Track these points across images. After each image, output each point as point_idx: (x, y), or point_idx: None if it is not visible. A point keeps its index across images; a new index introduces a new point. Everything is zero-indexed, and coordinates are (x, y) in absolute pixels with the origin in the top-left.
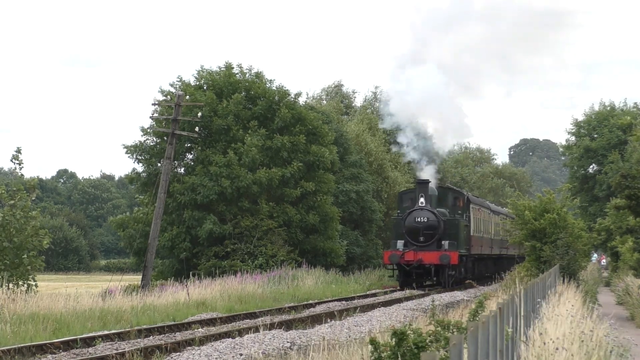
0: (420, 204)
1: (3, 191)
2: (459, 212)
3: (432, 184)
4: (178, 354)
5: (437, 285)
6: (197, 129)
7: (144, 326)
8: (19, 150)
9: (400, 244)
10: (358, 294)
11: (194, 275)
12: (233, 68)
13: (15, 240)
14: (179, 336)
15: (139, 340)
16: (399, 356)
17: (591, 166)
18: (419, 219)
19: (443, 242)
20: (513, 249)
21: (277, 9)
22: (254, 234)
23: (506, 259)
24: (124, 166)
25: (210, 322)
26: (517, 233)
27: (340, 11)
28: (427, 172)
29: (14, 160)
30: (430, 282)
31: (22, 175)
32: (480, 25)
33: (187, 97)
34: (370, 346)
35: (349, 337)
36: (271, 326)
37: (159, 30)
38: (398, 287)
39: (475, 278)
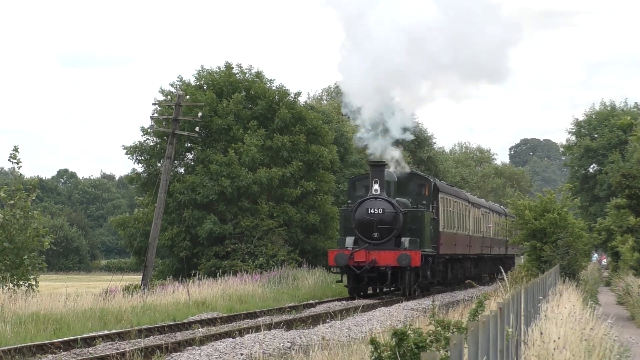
0: (374, 192)
1: (2, 192)
2: (424, 202)
3: (393, 169)
4: (178, 353)
5: (396, 292)
6: (197, 128)
7: (145, 326)
8: (16, 149)
9: (349, 241)
10: (277, 307)
11: (194, 275)
12: (233, 68)
13: (16, 241)
14: (179, 336)
15: (139, 340)
16: (399, 356)
17: (592, 166)
18: (372, 211)
19: (403, 239)
20: (499, 248)
21: (277, 9)
22: (254, 233)
23: (490, 260)
24: (124, 166)
25: (211, 322)
26: (517, 233)
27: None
28: (390, 157)
29: (11, 159)
30: (389, 288)
31: (20, 174)
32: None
33: (187, 97)
34: (370, 346)
35: (350, 337)
36: (271, 326)
37: (159, 30)
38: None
39: (449, 283)
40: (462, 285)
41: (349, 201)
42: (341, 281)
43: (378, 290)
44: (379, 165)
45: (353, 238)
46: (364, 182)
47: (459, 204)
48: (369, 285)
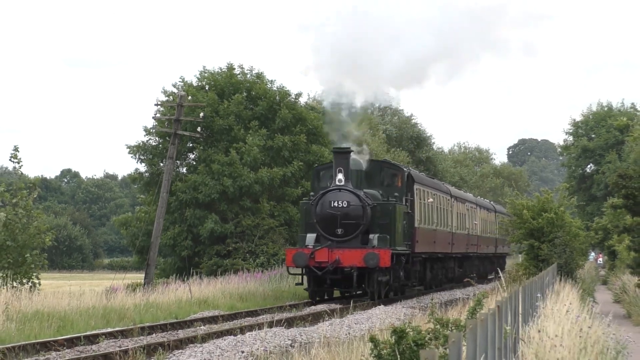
0: (337, 183)
1: (4, 189)
2: (396, 194)
3: (361, 158)
4: (180, 351)
5: (364, 296)
6: (199, 129)
7: (147, 324)
8: (16, 149)
9: (310, 238)
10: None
11: (196, 273)
12: (234, 69)
13: (18, 239)
14: (181, 334)
15: (142, 337)
16: (399, 353)
17: (589, 166)
18: (335, 204)
19: (371, 236)
20: (488, 246)
21: (278, 11)
22: (256, 232)
23: (477, 259)
24: (127, 166)
25: (212, 319)
26: (515, 232)
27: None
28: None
29: (12, 159)
30: (354, 291)
31: (22, 174)
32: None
33: (189, 97)
34: (370, 344)
35: (349, 334)
36: (272, 324)
37: (161, 31)
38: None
39: (429, 285)
40: (444, 287)
41: (312, 193)
42: (301, 283)
43: (348, 294)
44: (344, 152)
45: (315, 235)
46: (330, 172)
47: (440, 197)
48: (332, 288)
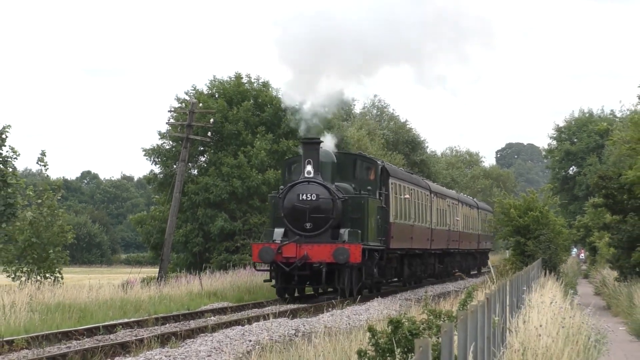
0: (306, 175)
1: (31, 192)
2: (370, 188)
3: (331, 149)
4: (192, 340)
5: (334, 294)
6: (209, 133)
7: (161, 315)
8: (43, 153)
9: (278, 233)
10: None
11: (206, 268)
12: (242, 78)
13: (43, 237)
14: (192, 324)
15: (156, 327)
16: (395, 342)
17: (571, 168)
18: (303, 197)
19: (342, 230)
20: (470, 242)
21: (283, 26)
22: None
23: (460, 255)
24: (142, 168)
25: (222, 311)
26: (502, 229)
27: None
28: (329, 141)
29: (39, 162)
30: (323, 288)
31: (47, 176)
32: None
33: (200, 104)
34: (368, 333)
35: (349, 324)
36: (277, 315)
37: (174, 42)
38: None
39: (407, 281)
40: (423, 284)
41: (281, 187)
42: (270, 280)
43: (321, 290)
44: (313, 143)
45: (283, 229)
46: (301, 164)
47: (418, 192)
48: (300, 284)
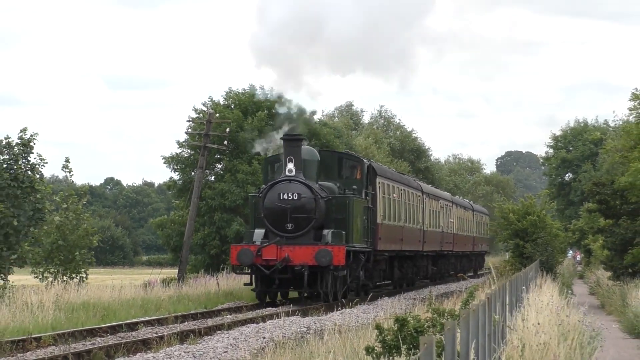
0: (287, 173)
1: (59, 198)
2: (355, 187)
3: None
4: (209, 337)
5: (317, 299)
6: (225, 142)
7: (180, 313)
8: (67, 160)
9: (258, 234)
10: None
11: (223, 269)
12: (257, 90)
13: (69, 239)
14: (210, 322)
15: (175, 325)
16: (401, 339)
17: (567, 175)
18: (284, 196)
19: (325, 231)
20: (465, 244)
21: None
22: None
23: (454, 257)
24: (162, 174)
25: (237, 309)
26: (502, 233)
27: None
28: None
29: (64, 169)
30: (305, 292)
31: (72, 182)
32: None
33: (217, 114)
34: (376, 330)
35: (358, 322)
36: (290, 313)
37: (193, 57)
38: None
39: (396, 284)
40: (417, 286)
41: (263, 186)
42: (250, 284)
43: (307, 294)
44: (294, 140)
45: (263, 230)
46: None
47: (408, 192)
48: (282, 288)
